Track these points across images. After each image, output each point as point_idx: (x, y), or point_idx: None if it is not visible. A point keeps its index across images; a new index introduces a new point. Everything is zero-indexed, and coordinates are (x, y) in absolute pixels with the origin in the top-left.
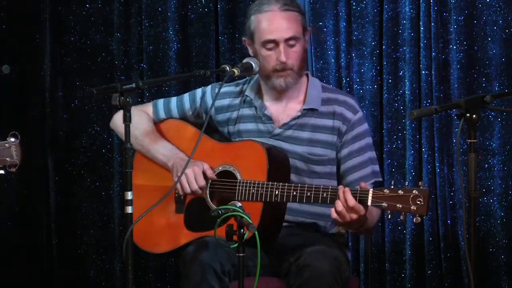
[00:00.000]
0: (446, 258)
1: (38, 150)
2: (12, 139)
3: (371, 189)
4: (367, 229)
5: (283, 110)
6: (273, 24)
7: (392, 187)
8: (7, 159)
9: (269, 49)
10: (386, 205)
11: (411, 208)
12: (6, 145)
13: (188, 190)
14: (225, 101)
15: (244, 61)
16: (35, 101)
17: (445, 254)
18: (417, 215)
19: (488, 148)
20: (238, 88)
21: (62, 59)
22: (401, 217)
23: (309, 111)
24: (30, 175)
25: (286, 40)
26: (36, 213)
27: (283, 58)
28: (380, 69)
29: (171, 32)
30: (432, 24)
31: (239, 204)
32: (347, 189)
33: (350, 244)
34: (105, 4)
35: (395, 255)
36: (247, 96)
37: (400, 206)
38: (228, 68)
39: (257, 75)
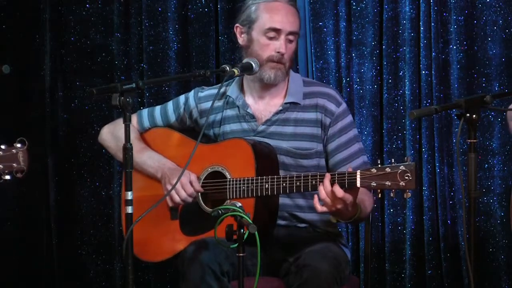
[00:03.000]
0: (446, 258)
1: (38, 150)
2: (19, 145)
3: (359, 170)
4: (358, 219)
5: (265, 107)
6: (280, 14)
7: (379, 165)
8: (14, 164)
9: (270, 38)
10: (375, 184)
11: (400, 184)
12: (13, 151)
13: (177, 200)
14: (209, 104)
15: (244, 61)
16: (35, 101)
17: (445, 254)
18: (407, 190)
19: (488, 148)
20: (221, 90)
21: (62, 59)
22: (392, 194)
23: (291, 106)
24: (30, 175)
25: (288, 34)
26: (36, 213)
27: (283, 49)
28: (380, 69)
29: (171, 32)
30: (432, 24)
31: (239, 204)
32: (335, 185)
33: (350, 243)
34: (105, 4)
35: (395, 255)
36: (229, 96)
37: (389, 183)
38: (228, 68)
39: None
